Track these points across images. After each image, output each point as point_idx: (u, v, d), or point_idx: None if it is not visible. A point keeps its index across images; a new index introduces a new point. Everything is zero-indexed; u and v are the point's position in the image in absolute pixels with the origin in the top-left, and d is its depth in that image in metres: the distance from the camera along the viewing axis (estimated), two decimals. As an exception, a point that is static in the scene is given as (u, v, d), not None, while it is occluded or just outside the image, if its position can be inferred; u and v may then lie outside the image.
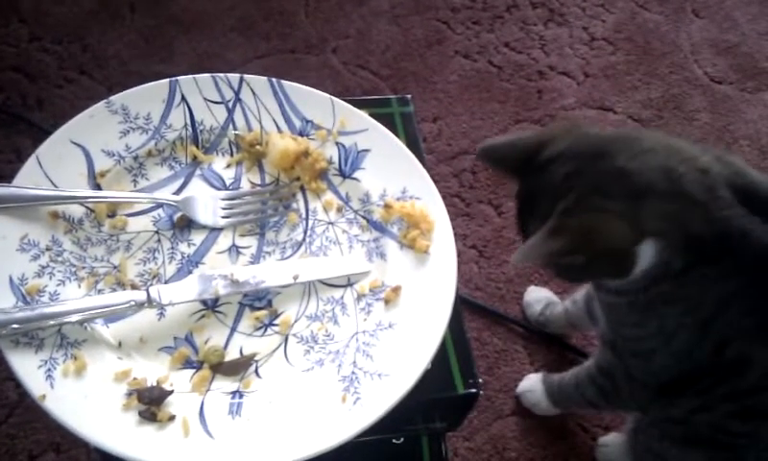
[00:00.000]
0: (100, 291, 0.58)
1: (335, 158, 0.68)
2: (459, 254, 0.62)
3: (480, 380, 0.59)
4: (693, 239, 0.61)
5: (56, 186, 0.61)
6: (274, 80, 0.70)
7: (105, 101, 0.65)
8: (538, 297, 1.09)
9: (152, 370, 0.55)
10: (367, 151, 0.67)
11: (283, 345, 0.58)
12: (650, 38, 1.50)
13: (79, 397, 0.52)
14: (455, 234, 0.63)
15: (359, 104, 0.70)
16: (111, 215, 0.62)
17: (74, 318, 0.54)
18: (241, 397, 0.54)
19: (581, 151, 0.64)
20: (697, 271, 0.63)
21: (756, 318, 0.63)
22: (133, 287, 0.59)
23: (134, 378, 0.53)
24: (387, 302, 0.60)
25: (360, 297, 0.61)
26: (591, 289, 0.82)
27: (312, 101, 0.69)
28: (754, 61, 1.48)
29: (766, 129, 1.37)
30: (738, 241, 0.60)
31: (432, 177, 0.65)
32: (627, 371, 0.76)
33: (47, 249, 0.58)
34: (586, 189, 0.62)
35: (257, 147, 0.67)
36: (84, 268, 0.59)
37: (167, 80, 0.68)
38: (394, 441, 0.66)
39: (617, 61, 1.46)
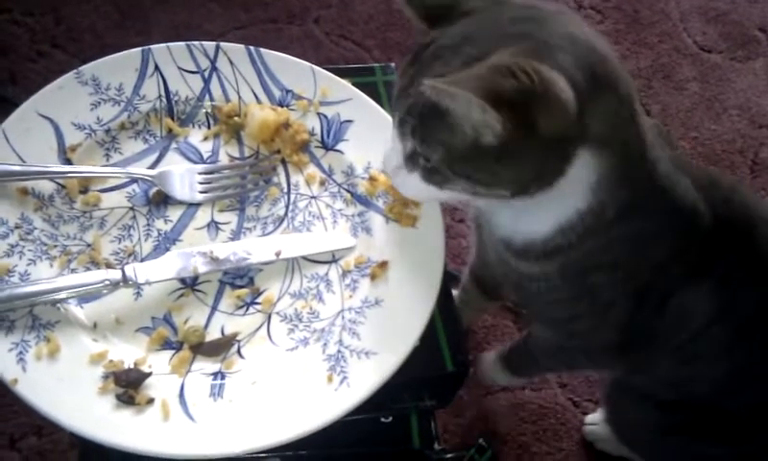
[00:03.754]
0: (73, 270, 0.56)
1: (317, 130, 0.65)
2: (447, 229, 0.60)
3: (470, 357, 0.58)
4: (630, 174, 0.53)
5: (24, 162, 0.58)
6: (251, 48, 0.67)
7: (74, 71, 0.63)
8: None
9: (129, 351, 0.53)
10: (350, 121, 0.65)
11: (266, 324, 0.56)
12: (638, 7, 1.48)
13: (53, 380, 0.50)
14: (442, 208, 0.61)
15: (341, 73, 0.68)
16: (84, 191, 0.60)
17: (46, 298, 0.52)
18: (223, 378, 0.52)
19: (525, 14, 0.51)
20: (628, 225, 0.55)
21: (687, 268, 0.60)
22: (108, 266, 0.56)
23: (111, 361, 0.52)
24: (373, 278, 0.58)
25: (345, 273, 0.59)
26: (490, 267, 0.67)
27: (292, 70, 0.67)
28: (743, 30, 1.46)
29: (756, 98, 1.36)
30: (666, 190, 0.56)
31: (418, 149, 0.63)
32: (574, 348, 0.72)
33: (16, 227, 0.56)
34: (531, 46, 0.48)
35: (235, 118, 0.65)
36: (55, 247, 0.56)
37: (139, 49, 0.65)
38: (382, 419, 0.65)
39: (606, 30, 1.43)
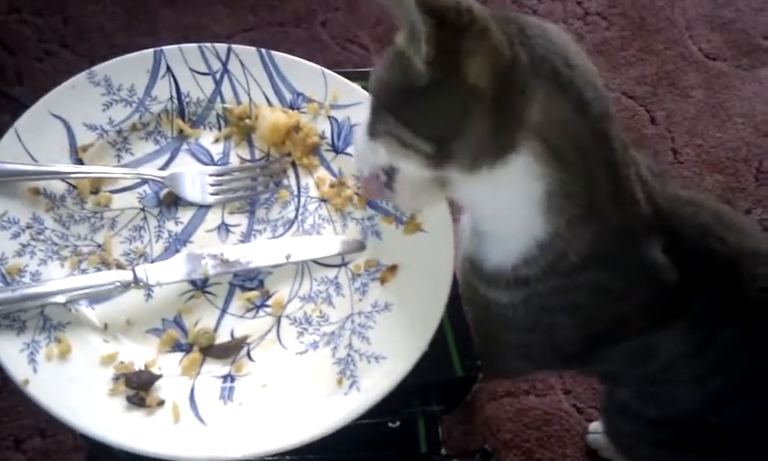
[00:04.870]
0: (84, 271, 0.56)
1: (327, 133, 0.65)
2: (454, 232, 0.60)
3: (479, 362, 0.57)
4: (594, 211, 0.51)
5: (36, 161, 0.58)
6: (263, 50, 0.67)
7: (86, 72, 0.63)
8: None
9: (139, 353, 0.53)
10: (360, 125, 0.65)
11: (276, 327, 0.56)
12: (644, 14, 1.48)
13: (63, 381, 0.49)
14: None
15: (351, 76, 0.68)
16: (95, 192, 0.60)
17: (57, 299, 0.51)
18: (233, 381, 0.52)
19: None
20: (592, 275, 0.55)
21: (652, 320, 0.59)
22: (119, 267, 0.56)
23: (121, 362, 0.51)
24: (383, 281, 0.58)
25: (355, 276, 0.59)
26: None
27: (303, 73, 0.67)
28: (749, 38, 1.46)
29: (761, 106, 1.36)
30: (637, 248, 0.55)
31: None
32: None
33: (28, 227, 0.56)
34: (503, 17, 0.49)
35: (246, 121, 0.65)
36: (66, 247, 0.56)
37: (152, 50, 0.65)
38: (389, 424, 0.64)
39: (612, 37, 1.44)
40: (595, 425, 0.97)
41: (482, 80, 0.46)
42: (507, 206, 0.53)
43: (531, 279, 0.56)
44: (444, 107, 0.48)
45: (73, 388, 0.49)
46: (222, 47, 0.67)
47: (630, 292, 0.58)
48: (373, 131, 0.53)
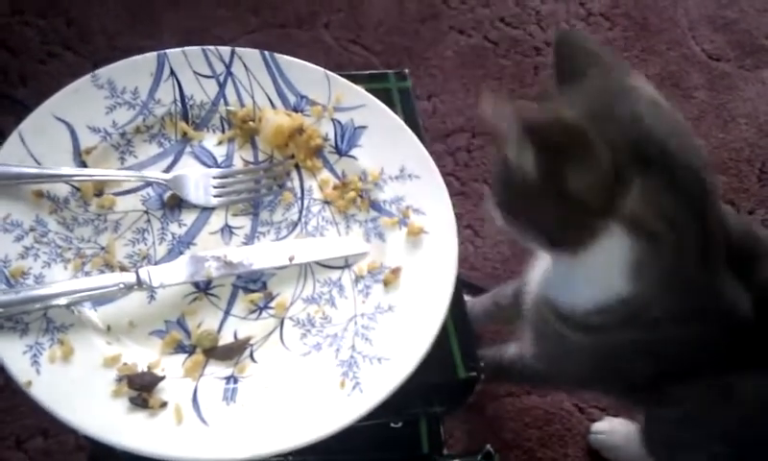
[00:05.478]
0: (87, 273, 0.56)
1: (331, 135, 0.65)
2: (457, 234, 0.60)
3: (481, 364, 0.58)
4: (682, 275, 0.52)
5: (39, 164, 0.58)
6: (266, 53, 0.67)
7: (90, 75, 0.63)
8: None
9: (142, 355, 0.53)
10: (364, 128, 0.65)
11: (279, 328, 0.56)
12: (647, 14, 1.48)
13: (66, 383, 0.50)
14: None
15: (355, 79, 0.68)
16: (98, 194, 0.60)
17: (61, 301, 0.52)
18: (236, 382, 0.52)
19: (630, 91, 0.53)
20: (675, 330, 0.56)
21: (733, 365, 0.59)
22: (122, 269, 0.57)
23: (124, 364, 0.51)
24: (386, 284, 0.58)
25: (358, 278, 0.59)
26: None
27: (307, 75, 0.67)
28: (752, 38, 1.46)
29: (764, 107, 1.36)
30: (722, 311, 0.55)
31: (426, 156, 0.63)
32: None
33: (31, 229, 0.56)
34: (606, 115, 0.50)
35: (250, 123, 0.65)
36: (70, 249, 0.57)
37: (155, 53, 0.65)
38: (392, 425, 0.65)
39: (614, 38, 1.44)
40: (598, 426, 0.97)
41: (586, 192, 0.49)
42: (591, 265, 0.54)
43: (603, 328, 0.57)
44: (548, 205, 0.52)
45: (76, 390, 0.50)
46: (225, 50, 0.67)
47: (713, 342, 0.57)
48: (493, 207, 0.57)
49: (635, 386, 0.65)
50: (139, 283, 0.54)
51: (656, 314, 0.55)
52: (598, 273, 0.54)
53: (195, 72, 0.66)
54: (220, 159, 0.64)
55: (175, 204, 0.61)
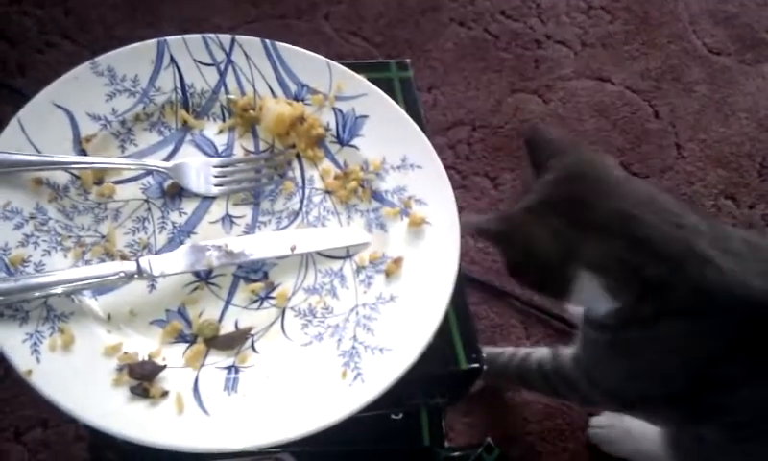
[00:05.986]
0: (87, 262, 0.55)
1: (332, 125, 0.65)
2: (459, 225, 0.59)
3: (483, 355, 0.57)
4: (652, 285, 0.62)
5: (39, 152, 0.58)
6: (267, 41, 0.66)
7: (90, 62, 0.62)
8: None
9: (143, 344, 0.52)
10: (365, 117, 0.65)
11: (280, 318, 0.56)
12: (648, 8, 1.48)
13: (67, 372, 0.49)
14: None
15: (356, 68, 0.67)
16: (98, 182, 0.59)
17: (61, 289, 0.51)
18: (237, 372, 0.52)
19: (573, 170, 0.66)
20: (667, 324, 0.63)
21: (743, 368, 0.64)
22: (123, 258, 0.56)
23: (125, 353, 0.51)
24: (388, 274, 0.57)
25: (360, 269, 0.58)
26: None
27: (308, 64, 0.66)
28: (753, 32, 1.46)
29: (765, 101, 1.36)
30: (717, 298, 0.61)
31: (427, 148, 0.63)
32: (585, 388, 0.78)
33: (31, 217, 0.55)
34: (547, 201, 0.65)
35: (251, 112, 0.64)
36: (70, 237, 0.56)
37: (155, 40, 0.64)
38: (393, 416, 0.65)
39: (615, 31, 1.43)
40: (597, 420, 0.97)
41: (541, 258, 0.65)
42: (584, 295, 0.67)
43: (611, 327, 0.68)
44: (527, 275, 0.70)
45: (76, 379, 0.49)
46: (226, 38, 0.66)
47: (717, 336, 0.63)
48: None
49: (675, 396, 0.69)
50: (140, 272, 0.53)
51: (647, 311, 0.63)
52: (590, 297, 0.67)
53: (195, 60, 0.65)
54: (220, 148, 0.63)
55: (175, 192, 0.60)
